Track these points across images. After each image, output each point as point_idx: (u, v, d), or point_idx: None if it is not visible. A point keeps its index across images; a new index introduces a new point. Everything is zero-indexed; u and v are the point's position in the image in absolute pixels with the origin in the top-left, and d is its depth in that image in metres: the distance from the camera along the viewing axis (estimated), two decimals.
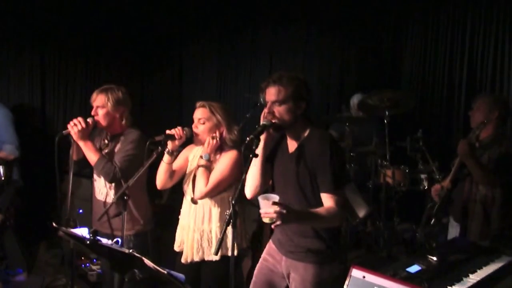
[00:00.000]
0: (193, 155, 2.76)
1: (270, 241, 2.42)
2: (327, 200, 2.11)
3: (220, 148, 2.65)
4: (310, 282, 2.18)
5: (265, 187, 2.32)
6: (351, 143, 4.52)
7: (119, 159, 2.69)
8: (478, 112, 3.00)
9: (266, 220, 1.91)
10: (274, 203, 1.89)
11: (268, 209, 1.89)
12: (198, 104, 2.68)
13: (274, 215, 1.87)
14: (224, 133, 2.63)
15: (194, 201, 2.66)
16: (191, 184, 2.68)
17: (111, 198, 2.77)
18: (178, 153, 2.73)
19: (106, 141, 2.87)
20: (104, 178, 2.72)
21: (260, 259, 2.43)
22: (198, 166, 2.61)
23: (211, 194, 2.57)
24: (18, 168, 4.20)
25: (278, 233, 2.33)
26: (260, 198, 1.94)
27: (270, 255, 2.38)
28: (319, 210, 2.10)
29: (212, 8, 6.14)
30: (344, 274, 1.69)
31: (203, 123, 2.62)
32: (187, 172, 2.73)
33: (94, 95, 2.82)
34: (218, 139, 2.61)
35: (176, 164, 2.74)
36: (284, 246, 2.28)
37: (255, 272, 2.41)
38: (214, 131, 2.62)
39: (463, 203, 2.97)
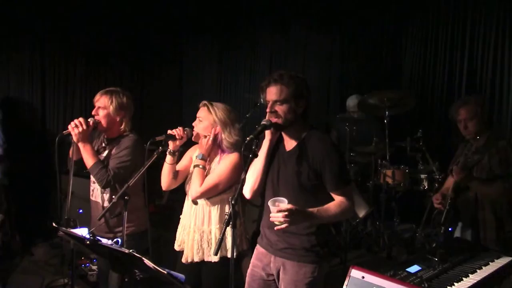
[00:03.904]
0: (196, 155, 2.75)
1: (257, 245, 2.40)
2: (338, 197, 2.14)
3: (221, 150, 2.64)
4: (300, 281, 2.17)
5: (263, 186, 2.32)
6: (352, 141, 4.53)
7: (112, 166, 2.69)
8: (471, 120, 2.89)
9: (276, 222, 1.97)
10: (279, 211, 1.93)
11: (276, 214, 1.94)
12: (201, 103, 2.69)
13: (282, 220, 1.92)
14: (221, 134, 2.63)
15: (194, 202, 2.66)
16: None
17: (106, 200, 2.78)
18: (180, 153, 2.73)
19: (103, 145, 2.87)
20: (97, 183, 2.73)
21: (250, 265, 2.41)
22: (194, 166, 2.62)
23: (207, 195, 2.57)
24: (3, 166, 4.19)
25: (266, 234, 2.32)
26: (269, 203, 1.98)
27: (259, 259, 2.36)
28: (329, 206, 2.11)
29: (212, 9, 6.15)
30: (343, 274, 1.69)
31: (201, 122, 2.64)
32: (190, 172, 2.73)
33: (98, 96, 2.81)
34: (211, 139, 2.60)
35: (181, 165, 2.75)
36: (273, 245, 2.27)
37: (248, 278, 2.38)
38: (210, 130, 2.62)
39: (472, 212, 2.92)
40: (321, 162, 2.12)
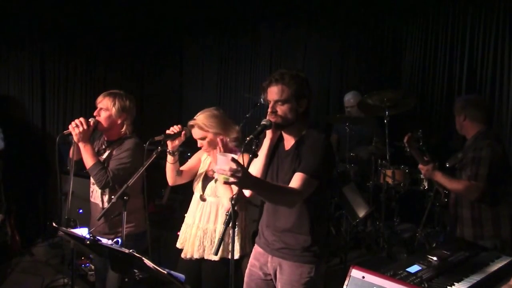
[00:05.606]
0: (205, 156, 2.80)
1: (256, 245, 2.40)
2: (296, 179, 2.04)
3: (230, 150, 2.63)
4: (297, 281, 2.15)
5: None
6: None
7: (112, 167, 2.69)
8: (457, 117, 3.00)
9: (220, 178, 1.79)
10: (233, 160, 1.77)
11: (224, 165, 1.78)
12: (189, 125, 2.65)
13: (229, 173, 1.77)
14: (225, 139, 2.62)
15: (202, 199, 2.68)
16: (201, 182, 2.73)
17: (105, 202, 2.77)
18: (180, 153, 2.75)
19: (104, 146, 2.87)
20: (96, 184, 2.73)
21: (248, 265, 2.40)
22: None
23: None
24: (1, 162, 4.24)
25: (264, 234, 2.31)
26: (218, 154, 1.87)
27: (256, 259, 2.35)
28: (281, 185, 2.08)
29: (212, 9, 6.15)
30: (343, 274, 1.69)
31: (203, 140, 2.64)
32: (199, 171, 2.79)
33: (100, 97, 2.80)
34: (221, 147, 2.55)
35: (188, 165, 2.81)
36: (270, 244, 2.25)
37: (246, 278, 2.38)
38: (215, 142, 2.59)
39: (452, 209, 2.97)
40: (306, 151, 2.10)
